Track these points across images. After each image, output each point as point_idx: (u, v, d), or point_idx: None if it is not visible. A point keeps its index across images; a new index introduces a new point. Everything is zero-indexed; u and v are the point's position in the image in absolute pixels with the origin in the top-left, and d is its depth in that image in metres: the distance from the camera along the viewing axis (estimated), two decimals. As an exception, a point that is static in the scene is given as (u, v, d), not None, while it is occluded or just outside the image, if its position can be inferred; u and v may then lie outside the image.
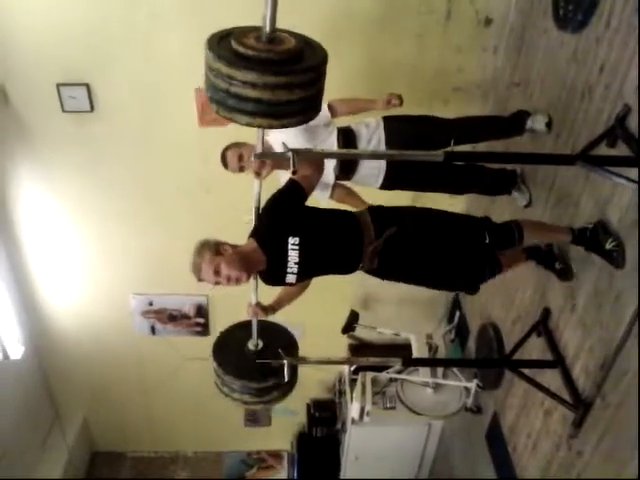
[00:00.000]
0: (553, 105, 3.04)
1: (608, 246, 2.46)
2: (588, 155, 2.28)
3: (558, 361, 2.92)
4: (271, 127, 1.85)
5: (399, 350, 4.74)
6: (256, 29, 1.77)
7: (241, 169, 3.09)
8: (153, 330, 5.34)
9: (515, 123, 3.21)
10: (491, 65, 3.85)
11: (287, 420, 6.21)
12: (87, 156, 4.26)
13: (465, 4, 3.62)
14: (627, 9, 2.38)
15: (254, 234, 2.39)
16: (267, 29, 1.72)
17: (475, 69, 3.88)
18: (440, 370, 4.32)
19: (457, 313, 4.76)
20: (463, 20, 3.68)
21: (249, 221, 2.42)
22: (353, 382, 4.61)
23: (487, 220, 2.61)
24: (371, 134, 3.11)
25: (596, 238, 2.54)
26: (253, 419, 6.21)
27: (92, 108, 3.98)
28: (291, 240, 2.33)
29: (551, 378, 2.98)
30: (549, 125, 3.05)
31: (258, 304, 2.59)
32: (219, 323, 5.31)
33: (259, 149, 2.11)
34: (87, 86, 3.88)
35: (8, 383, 4.98)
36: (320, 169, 2.47)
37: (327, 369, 5.51)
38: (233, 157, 3.06)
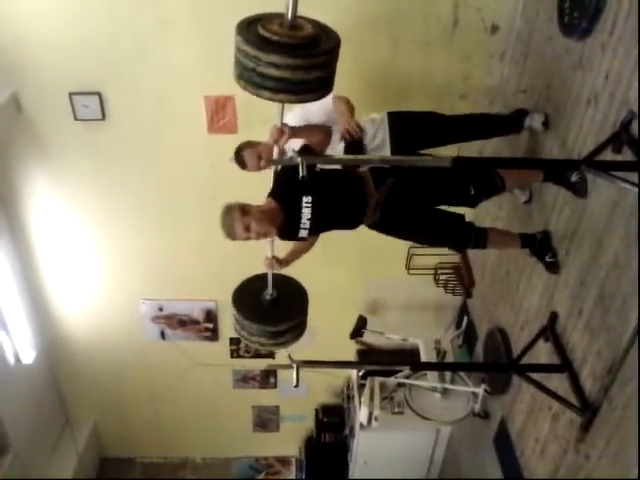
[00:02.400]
0: (559, 111, 3.06)
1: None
2: (592, 160, 2.30)
3: (565, 365, 2.93)
4: (290, 102, 2.11)
5: (407, 355, 4.75)
6: (279, 16, 1.99)
7: (260, 169, 3.14)
8: (163, 335, 5.38)
9: (514, 121, 3.29)
10: (498, 72, 3.88)
11: (295, 426, 6.23)
12: (98, 163, 4.32)
13: (472, 12, 3.66)
14: (631, 17, 2.40)
15: (272, 194, 2.72)
16: (289, 17, 1.93)
17: (482, 76, 3.91)
18: (448, 375, 4.33)
19: (465, 318, 4.76)
20: (470, 28, 3.71)
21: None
22: (361, 387, 4.62)
23: (472, 175, 2.95)
24: (376, 129, 3.19)
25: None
26: (261, 425, 6.23)
27: (104, 116, 4.04)
28: (305, 199, 2.68)
29: (558, 382, 2.99)
30: (545, 124, 3.13)
31: (274, 257, 2.84)
32: (228, 328, 5.35)
33: (279, 121, 2.38)
34: (99, 95, 3.94)
35: (20, 387, 5.02)
36: (329, 137, 2.85)
37: (335, 374, 5.53)
38: (252, 157, 3.11)
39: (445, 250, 3.68)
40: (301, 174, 2.12)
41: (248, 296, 2.80)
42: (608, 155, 2.46)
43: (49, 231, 4.69)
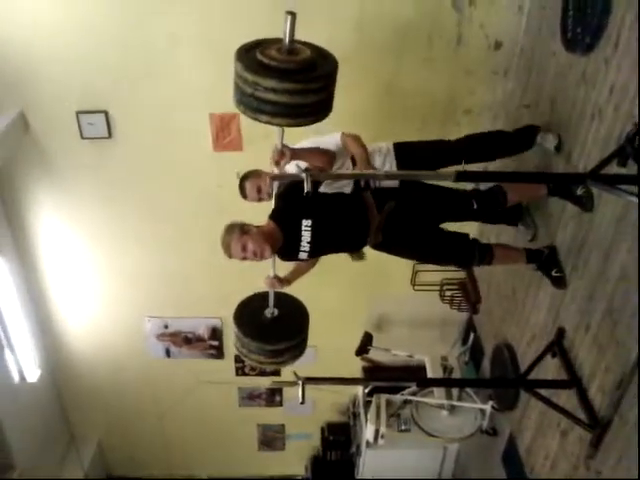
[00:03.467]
0: (564, 126, 3.07)
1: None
2: (597, 174, 2.30)
3: (574, 381, 2.90)
4: (288, 126, 2.13)
5: (413, 372, 4.72)
6: (278, 41, 2.03)
7: (260, 200, 3.15)
8: (168, 353, 5.37)
9: (524, 139, 3.25)
10: (501, 87, 3.90)
11: (301, 444, 6.18)
12: (104, 181, 4.34)
13: (475, 28, 3.68)
14: (635, 31, 2.42)
15: (273, 216, 2.73)
16: (286, 42, 1.97)
17: (486, 91, 3.93)
18: (455, 392, 4.30)
19: (471, 334, 4.74)
20: (473, 44, 3.74)
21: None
22: (367, 404, 4.59)
23: (474, 190, 2.98)
24: (383, 160, 3.16)
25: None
26: (267, 443, 6.18)
27: (110, 134, 4.06)
28: (304, 222, 2.70)
29: (567, 398, 2.97)
30: (558, 148, 3.07)
31: (275, 276, 2.84)
32: (233, 346, 5.33)
33: (279, 143, 2.40)
34: (105, 113, 3.97)
35: (25, 405, 5.01)
36: (331, 161, 2.81)
37: (341, 392, 5.50)
38: (252, 189, 3.13)
39: (450, 266, 3.67)
40: (306, 189, 2.13)
41: (249, 313, 2.80)
42: (613, 169, 2.46)
43: (54, 249, 4.70)
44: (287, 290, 2.95)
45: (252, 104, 2.00)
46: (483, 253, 3.07)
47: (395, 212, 2.87)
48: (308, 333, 2.82)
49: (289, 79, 1.96)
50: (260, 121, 2.05)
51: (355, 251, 3.00)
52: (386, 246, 2.98)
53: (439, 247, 3.07)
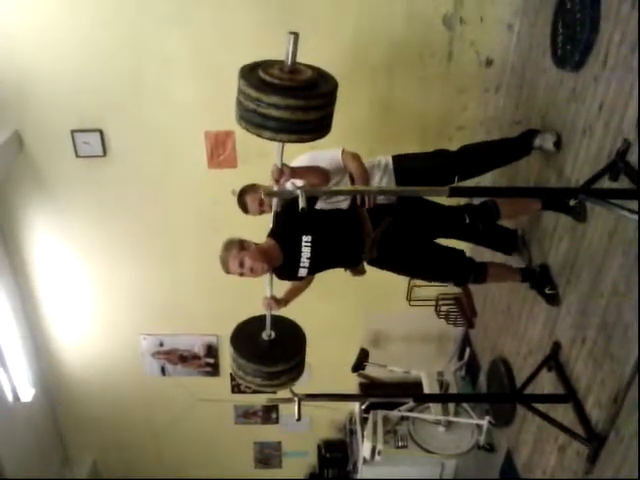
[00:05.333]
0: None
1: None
2: (590, 188, 2.32)
3: (570, 395, 2.90)
4: (290, 141, 2.17)
5: (410, 388, 4.71)
6: (279, 62, 2.09)
7: (261, 212, 3.16)
8: (163, 371, 5.35)
9: (522, 143, 3.22)
10: (493, 104, 3.94)
11: (298, 461, 6.14)
12: (99, 199, 4.35)
13: (466, 46, 3.73)
14: (623, 48, 2.45)
15: (272, 234, 2.75)
16: (289, 62, 2.03)
17: (478, 108, 3.97)
18: (452, 408, 4.29)
19: (467, 349, 4.74)
20: (465, 61, 3.78)
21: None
22: (364, 421, 4.57)
23: (467, 204, 3.04)
24: (382, 174, 3.18)
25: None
26: (264, 461, 6.14)
27: (105, 153, 4.08)
28: (304, 238, 2.72)
29: (564, 413, 2.96)
30: (557, 144, 3.04)
31: (272, 297, 2.83)
32: (229, 363, 5.31)
33: (279, 162, 2.43)
34: (100, 132, 3.99)
35: (19, 425, 4.97)
36: (326, 180, 2.84)
37: (337, 409, 5.48)
38: (253, 203, 3.14)
39: (445, 283, 3.69)
40: (301, 206, 2.14)
41: (246, 336, 2.79)
42: (605, 183, 2.48)
43: (49, 267, 4.69)
44: (283, 310, 2.94)
45: (255, 120, 2.06)
46: (478, 272, 3.08)
47: (391, 228, 2.88)
48: (305, 356, 2.80)
49: (291, 96, 2.01)
50: (263, 137, 2.10)
51: (353, 266, 3.00)
52: (381, 262, 2.99)
53: (434, 264, 3.07)
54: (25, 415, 5.06)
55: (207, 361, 5.29)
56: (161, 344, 5.18)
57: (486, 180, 3.80)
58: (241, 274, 2.65)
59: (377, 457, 4.23)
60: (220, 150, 4.10)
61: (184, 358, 5.27)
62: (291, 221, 2.73)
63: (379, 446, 4.20)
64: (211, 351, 5.23)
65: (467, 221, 2.94)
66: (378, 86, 3.86)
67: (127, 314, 4.98)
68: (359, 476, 4.98)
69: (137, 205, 4.38)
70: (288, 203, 2.68)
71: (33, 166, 4.15)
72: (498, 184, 3.76)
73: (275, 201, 2.73)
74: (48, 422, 5.50)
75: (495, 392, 4.04)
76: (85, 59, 3.74)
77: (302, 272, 2.82)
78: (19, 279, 4.73)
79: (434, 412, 4.29)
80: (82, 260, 4.67)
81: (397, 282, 4.48)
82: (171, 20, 3.63)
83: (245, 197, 3.18)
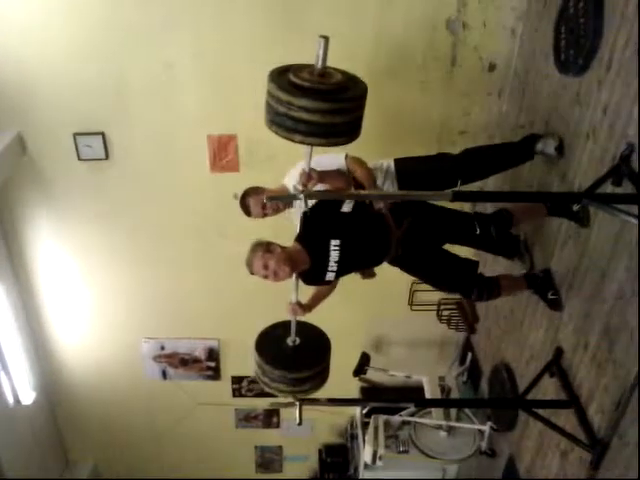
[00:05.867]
0: (558, 146, 3.10)
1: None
2: (593, 193, 2.31)
3: (572, 401, 2.89)
4: (320, 145, 2.16)
5: (411, 393, 4.70)
6: (308, 66, 2.10)
7: (264, 216, 3.16)
8: (164, 375, 5.34)
9: (525, 148, 3.21)
10: (496, 108, 3.93)
11: (298, 466, 6.13)
12: (101, 202, 4.35)
13: (469, 51, 3.73)
14: (627, 52, 2.45)
15: (299, 238, 2.72)
16: (319, 65, 2.04)
17: (481, 113, 3.97)
18: (454, 413, 4.28)
19: (469, 354, 4.73)
20: (468, 66, 3.78)
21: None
22: (365, 426, 4.55)
23: (477, 213, 2.99)
24: (384, 177, 3.17)
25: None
26: (264, 465, 6.12)
27: (107, 156, 4.08)
28: (333, 242, 2.71)
29: (567, 418, 2.95)
30: (559, 149, 3.04)
31: (297, 302, 2.80)
32: (230, 367, 5.31)
33: (306, 166, 2.39)
34: (103, 135, 3.99)
35: (19, 428, 4.97)
36: (350, 183, 2.88)
37: (338, 413, 5.46)
38: (256, 206, 3.13)
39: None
40: (304, 209, 2.14)
41: (271, 342, 2.75)
42: (608, 188, 2.48)
43: (51, 270, 4.69)
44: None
45: (285, 123, 2.04)
46: (491, 287, 3.06)
47: (412, 228, 2.87)
48: (330, 362, 2.80)
49: (322, 99, 2.01)
50: (294, 141, 2.09)
51: (377, 264, 3.00)
52: (402, 261, 2.98)
53: (446, 270, 3.06)
54: (26, 418, 5.05)
55: (208, 365, 5.28)
56: (162, 348, 5.17)
57: (489, 185, 3.80)
58: (265, 277, 2.65)
59: (378, 462, 4.22)
60: (222, 154, 4.10)
61: (185, 362, 5.26)
62: (319, 225, 2.72)
63: (380, 451, 4.19)
64: (212, 355, 5.22)
65: (477, 232, 2.91)
66: (381, 90, 3.85)
67: (128, 317, 4.97)
68: (360, 481, 4.96)
69: (139, 208, 4.37)
70: (314, 207, 2.66)
71: (35, 169, 4.15)
72: (501, 189, 3.75)
73: (297, 206, 2.69)
74: (49, 425, 5.49)
75: (497, 397, 4.03)
76: (88, 62, 3.75)
77: (330, 276, 2.81)
78: (21, 282, 4.73)
79: (436, 417, 4.28)
80: (84, 263, 4.67)
81: (399, 287, 4.48)
82: (174, 24, 3.63)
83: (248, 200, 3.17)
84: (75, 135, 3.99)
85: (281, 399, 2.90)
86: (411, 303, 4.73)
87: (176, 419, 5.58)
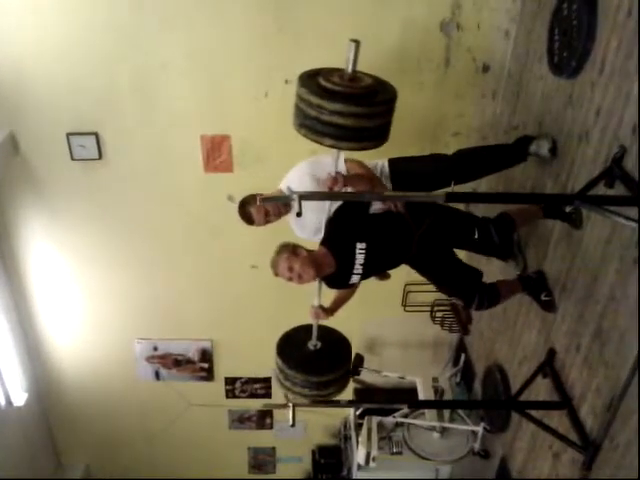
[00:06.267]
0: (551, 148, 3.10)
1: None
2: (586, 195, 2.32)
3: (565, 402, 2.89)
4: (351, 149, 2.19)
5: (405, 394, 4.70)
6: (337, 70, 2.11)
7: (267, 222, 3.14)
8: (157, 375, 5.32)
9: (519, 150, 3.21)
10: (490, 110, 3.94)
11: (292, 467, 6.12)
12: (94, 202, 4.34)
13: (462, 52, 3.73)
14: (620, 55, 2.46)
15: (325, 242, 2.74)
16: (349, 69, 2.04)
17: (474, 114, 3.97)
18: (447, 414, 4.28)
19: (462, 356, 4.74)
20: (462, 68, 3.79)
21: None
22: (359, 427, 4.55)
23: (480, 219, 2.93)
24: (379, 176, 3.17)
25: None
26: (258, 466, 6.11)
27: (100, 156, 4.07)
28: (359, 245, 2.70)
29: (559, 420, 2.96)
30: (553, 151, 3.04)
31: (320, 306, 2.83)
32: (223, 368, 5.30)
33: (336, 167, 2.42)
34: (96, 135, 3.98)
35: (11, 430, 4.94)
36: (374, 184, 2.89)
37: (332, 414, 5.45)
38: (259, 213, 3.10)
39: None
40: (297, 211, 2.13)
41: (292, 347, 2.78)
42: (601, 190, 2.48)
43: (43, 271, 4.67)
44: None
45: (316, 127, 2.05)
46: (492, 295, 3.04)
47: (432, 226, 2.85)
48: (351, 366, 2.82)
49: (354, 103, 2.01)
50: (324, 144, 2.09)
51: (398, 265, 2.98)
52: (417, 259, 2.96)
53: (455, 274, 3.04)
54: (17, 419, 5.03)
55: (201, 366, 5.27)
56: (155, 348, 5.16)
57: (482, 187, 3.80)
58: (289, 279, 2.65)
59: (372, 463, 4.22)
60: (216, 154, 4.09)
61: (178, 363, 5.25)
62: (344, 229, 2.73)
63: (374, 452, 4.18)
64: (205, 356, 5.21)
65: (476, 236, 2.88)
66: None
67: (121, 318, 4.95)
68: (353, 482, 4.96)
69: (132, 209, 4.36)
70: (338, 211, 2.67)
71: (28, 169, 4.13)
72: (494, 191, 3.76)
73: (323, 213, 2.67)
74: (41, 426, 5.46)
75: (490, 398, 4.04)
76: (81, 62, 3.74)
77: (354, 279, 2.81)
78: (12, 282, 4.71)
79: (429, 418, 4.28)
80: (76, 263, 4.65)
81: (392, 288, 4.48)
82: (168, 23, 3.63)
83: (248, 208, 3.13)
84: (68, 135, 3.97)
85: (274, 401, 2.90)
86: (405, 304, 4.73)
87: (169, 420, 5.57)
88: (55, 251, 4.57)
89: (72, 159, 4.06)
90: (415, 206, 2.86)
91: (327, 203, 2.93)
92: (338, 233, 2.73)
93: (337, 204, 2.68)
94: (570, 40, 2.83)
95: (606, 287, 2.56)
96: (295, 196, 2.14)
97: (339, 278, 2.80)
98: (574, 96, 2.86)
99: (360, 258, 2.72)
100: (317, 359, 2.72)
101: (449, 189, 2.24)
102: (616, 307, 2.48)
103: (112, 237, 4.51)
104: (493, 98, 3.90)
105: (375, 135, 2.15)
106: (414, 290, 4.57)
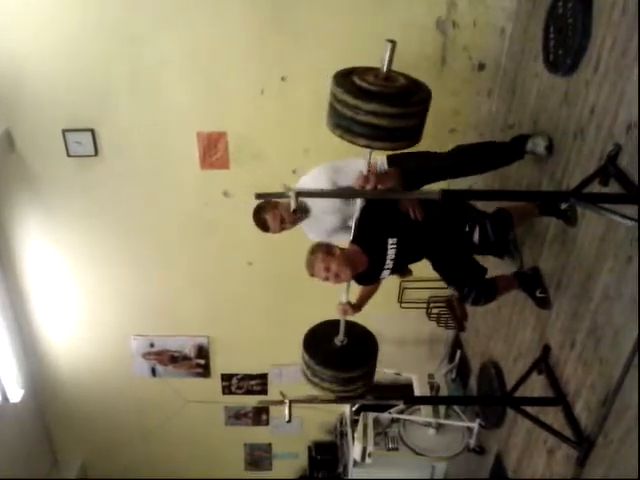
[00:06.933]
0: (547, 146, 3.12)
1: None
2: (581, 192, 2.33)
3: (559, 398, 2.91)
4: (385, 149, 2.24)
5: (401, 390, 4.71)
6: (372, 69, 2.09)
7: (282, 230, 3.11)
8: (154, 372, 5.33)
9: (515, 147, 3.22)
10: (486, 108, 3.95)
11: (288, 463, 6.13)
12: (90, 199, 4.33)
13: (458, 50, 3.74)
14: (614, 53, 2.47)
15: (355, 240, 2.74)
16: (385, 69, 2.03)
17: (470, 112, 3.98)
18: (442, 410, 4.30)
19: (458, 352, 4.75)
20: (458, 65, 3.79)
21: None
22: (355, 423, 4.57)
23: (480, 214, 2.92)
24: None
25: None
26: (254, 463, 6.13)
27: (96, 153, 4.07)
28: (390, 241, 2.73)
29: (554, 416, 2.98)
30: (549, 148, 3.06)
31: (348, 302, 2.83)
32: (220, 364, 5.31)
33: (365, 168, 2.43)
34: (92, 131, 3.98)
35: (7, 426, 4.94)
36: (401, 182, 2.89)
37: (328, 410, 5.47)
38: (275, 221, 3.05)
39: (437, 283, 3.66)
40: (292, 207, 2.15)
41: (319, 342, 2.77)
42: (596, 187, 2.50)
43: (39, 267, 4.67)
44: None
45: (352, 127, 2.03)
46: (490, 290, 3.07)
47: (435, 222, 2.88)
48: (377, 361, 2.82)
49: (390, 103, 2.00)
50: (358, 144, 2.09)
51: (422, 258, 3.01)
52: (434, 251, 2.99)
53: (461, 266, 3.07)
54: (14, 416, 5.02)
55: (198, 362, 5.28)
56: (152, 345, 5.16)
57: (478, 185, 3.81)
58: (326, 279, 2.65)
59: (367, 459, 4.24)
60: (212, 151, 4.09)
61: (175, 359, 5.25)
62: (376, 226, 2.74)
63: (369, 448, 4.20)
64: (202, 352, 5.22)
65: (467, 229, 2.88)
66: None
67: (118, 315, 4.96)
68: (350, 478, 4.97)
69: (128, 205, 4.36)
70: (367, 208, 2.66)
71: (24, 165, 4.13)
72: (491, 188, 3.77)
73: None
74: (37, 423, 5.46)
75: (485, 395, 4.06)
76: (77, 58, 3.73)
77: (385, 274, 2.85)
78: (8, 279, 4.70)
79: (425, 414, 4.30)
80: (72, 260, 4.65)
81: (388, 284, 4.47)
82: (164, 20, 3.62)
83: (264, 215, 3.07)
84: (64, 131, 3.97)
85: (271, 397, 2.91)
86: (401, 300, 4.74)
87: (165, 417, 5.58)
88: (51, 248, 4.56)
89: (68, 156, 4.05)
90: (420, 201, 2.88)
91: (342, 204, 3.00)
92: (370, 230, 2.74)
93: (360, 204, 2.65)
94: (565, 38, 2.84)
95: (600, 284, 2.58)
96: (292, 193, 2.15)
97: (370, 274, 2.82)
98: (569, 94, 2.87)
99: (391, 253, 2.75)
100: (345, 355, 2.73)
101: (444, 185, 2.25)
102: (610, 304, 2.50)
103: (108, 234, 4.51)
104: (489, 96, 3.91)
105: (409, 135, 2.15)
106: (410, 287, 4.58)
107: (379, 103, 1.98)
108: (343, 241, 3.08)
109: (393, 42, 1.97)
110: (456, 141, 3.91)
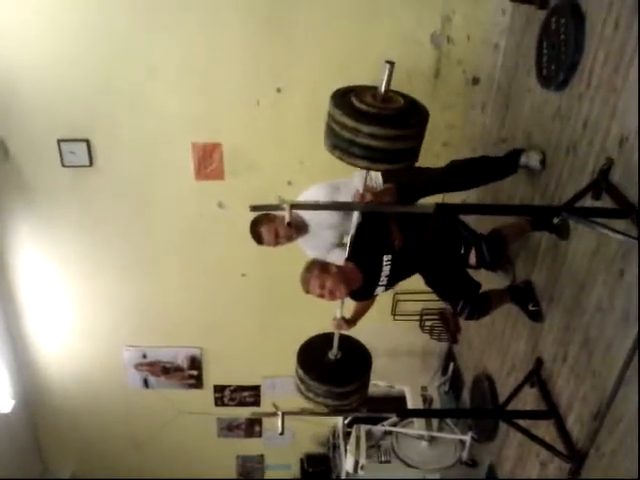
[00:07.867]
0: (539, 160, 3.14)
1: None
2: (573, 207, 2.35)
3: (552, 411, 2.92)
4: (386, 169, 2.27)
5: (394, 402, 4.70)
6: (369, 89, 2.08)
7: (277, 244, 3.12)
8: (146, 383, 5.30)
9: (509, 162, 3.24)
10: (479, 121, 3.98)
11: (280, 475, 6.10)
12: (84, 209, 4.33)
13: (453, 65, 3.78)
14: (607, 68, 2.50)
15: (351, 257, 2.73)
16: (383, 89, 2.01)
17: (464, 125, 4.01)
18: (435, 423, 4.29)
19: (451, 365, 4.75)
20: (452, 80, 3.83)
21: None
22: (347, 435, 4.55)
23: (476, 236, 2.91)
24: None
25: None
26: (246, 474, 6.09)
27: (91, 163, 4.07)
28: (385, 257, 2.74)
29: (546, 429, 2.98)
30: (543, 162, 3.08)
31: (342, 318, 2.82)
32: (213, 376, 5.29)
33: (361, 187, 2.43)
34: (87, 142, 3.98)
35: (-3, 437, 4.90)
36: (397, 198, 2.91)
37: (321, 423, 5.45)
38: (270, 234, 3.07)
39: (430, 296, 3.67)
40: (287, 220, 2.15)
41: (313, 357, 2.74)
42: (588, 202, 2.52)
43: (31, 277, 4.65)
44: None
45: (350, 149, 2.03)
46: (483, 305, 3.09)
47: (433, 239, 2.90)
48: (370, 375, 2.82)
49: (389, 125, 2.00)
50: (358, 166, 2.09)
51: (416, 272, 3.02)
52: (427, 267, 3.00)
53: (453, 281, 3.08)
54: (4, 426, 4.99)
55: (190, 373, 5.26)
56: (144, 356, 5.14)
57: (471, 199, 3.83)
58: (320, 295, 2.64)
59: (360, 471, 4.22)
60: (207, 162, 4.10)
61: (167, 370, 5.23)
62: (371, 242, 2.73)
63: (362, 460, 4.19)
64: (194, 363, 5.20)
65: (462, 251, 2.89)
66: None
67: (110, 325, 4.94)
68: (342, 491, 4.95)
69: (123, 216, 4.36)
70: (361, 226, 2.65)
71: (18, 175, 4.12)
72: (483, 202, 3.79)
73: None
74: (27, 433, 5.42)
75: (478, 407, 4.05)
76: (73, 68, 3.74)
77: (379, 290, 2.85)
78: (1, 288, 4.68)
79: (417, 427, 4.29)
80: (65, 270, 4.64)
81: (382, 296, 4.48)
82: (160, 30, 3.65)
83: (259, 228, 3.09)
84: (59, 141, 3.98)
85: (263, 409, 2.90)
86: (394, 313, 4.75)
87: (157, 428, 5.54)
88: (44, 258, 4.55)
89: (63, 166, 4.06)
90: (412, 216, 2.88)
91: (339, 220, 3.01)
92: (365, 247, 2.73)
93: (356, 220, 2.63)
94: (558, 53, 2.87)
95: (593, 298, 2.59)
96: (286, 205, 2.16)
97: (364, 290, 2.82)
98: (562, 108, 2.90)
99: (386, 270, 2.75)
100: (339, 369, 2.71)
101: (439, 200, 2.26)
102: (602, 317, 2.51)
103: (102, 244, 4.50)
104: (482, 110, 3.94)
105: (408, 156, 2.15)
106: (403, 299, 4.59)
107: (378, 125, 1.97)
108: (341, 259, 3.10)
109: (392, 63, 1.96)
110: (450, 154, 3.95)
